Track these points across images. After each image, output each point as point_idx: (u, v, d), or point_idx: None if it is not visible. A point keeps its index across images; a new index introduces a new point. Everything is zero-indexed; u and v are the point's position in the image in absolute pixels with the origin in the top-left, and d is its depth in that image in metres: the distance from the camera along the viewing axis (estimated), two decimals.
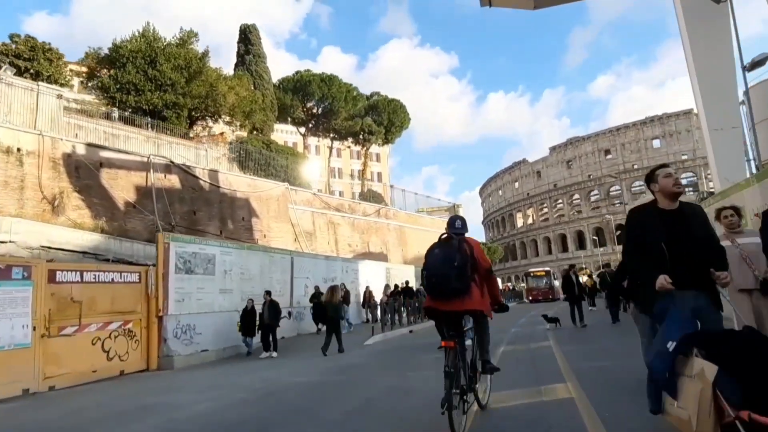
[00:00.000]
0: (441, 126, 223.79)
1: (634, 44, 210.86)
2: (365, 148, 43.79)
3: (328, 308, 11.33)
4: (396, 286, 23.23)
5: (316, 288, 15.74)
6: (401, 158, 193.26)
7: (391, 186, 39.94)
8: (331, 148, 44.80)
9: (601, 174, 72.13)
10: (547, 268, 45.73)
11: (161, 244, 10.56)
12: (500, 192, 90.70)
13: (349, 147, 46.13)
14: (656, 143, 68.90)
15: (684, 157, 65.88)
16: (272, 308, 11.62)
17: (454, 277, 3.79)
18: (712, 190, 60.05)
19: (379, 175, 58.67)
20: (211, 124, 32.04)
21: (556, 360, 7.23)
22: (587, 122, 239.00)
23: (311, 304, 15.57)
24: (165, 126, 23.87)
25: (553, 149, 79.87)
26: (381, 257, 29.50)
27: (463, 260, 3.84)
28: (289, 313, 14.64)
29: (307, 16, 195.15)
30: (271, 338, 11.44)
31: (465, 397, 3.81)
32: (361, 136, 41.34)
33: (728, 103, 12.58)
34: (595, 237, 70.00)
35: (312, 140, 51.48)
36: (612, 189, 71.37)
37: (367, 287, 20.20)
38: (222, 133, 32.35)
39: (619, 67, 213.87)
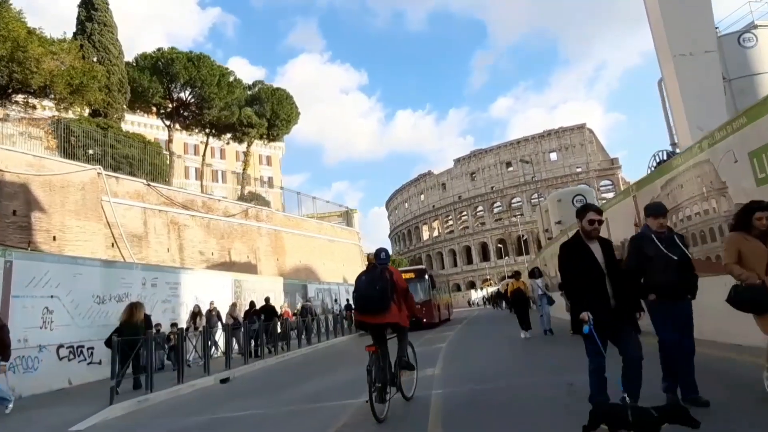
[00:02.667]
0: (351, 141, 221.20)
1: (530, 70, 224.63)
2: (247, 144, 37.53)
3: (125, 331, 8.72)
4: (252, 303, 17.53)
5: None
6: (311, 174, 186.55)
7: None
8: (206, 144, 37.86)
9: (503, 186, 71.90)
10: (421, 267, 28.29)
11: None
12: (406, 204, 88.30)
13: (228, 143, 39.45)
14: (553, 156, 70.14)
15: (578, 170, 67.41)
16: None
17: (377, 297, 4.98)
18: (604, 198, 60.94)
19: (270, 179, 52.08)
20: (35, 101, 24.30)
21: None
22: (489, 141, 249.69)
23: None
24: None
25: (457, 161, 79.02)
26: (249, 268, 23.48)
27: (383, 285, 5.00)
28: None
29: (213, 25, 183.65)
30: None
31: (387, 389, 4.86)
32: (240, 130, 35.04)
33: (700, 19, 8.53)
34: (500, 245, 69.15)
35: (184, 136, 44.13)
36: (513, 201, 71.33)
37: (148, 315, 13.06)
38: (54, 116, 24.81)
39: (518, 90, 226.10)
